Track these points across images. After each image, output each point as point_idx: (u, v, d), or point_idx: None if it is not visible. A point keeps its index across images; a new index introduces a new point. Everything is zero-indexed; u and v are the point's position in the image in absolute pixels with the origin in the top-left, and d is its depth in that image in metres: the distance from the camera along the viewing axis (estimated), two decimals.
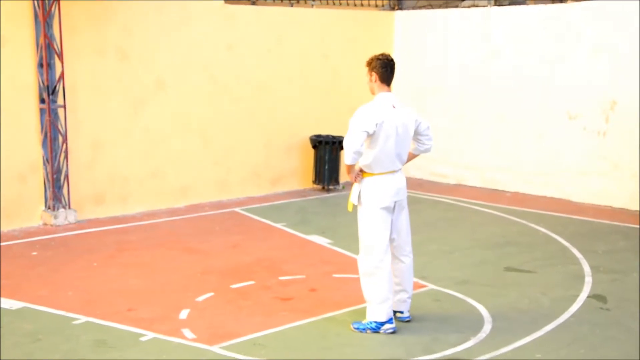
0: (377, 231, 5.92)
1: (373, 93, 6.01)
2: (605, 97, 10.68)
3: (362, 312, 6.23)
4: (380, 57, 5.94)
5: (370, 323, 6.01)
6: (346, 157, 5.78)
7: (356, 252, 6.27)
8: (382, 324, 5.98)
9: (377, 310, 5.98)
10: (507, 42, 11.78)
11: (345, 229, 9.01)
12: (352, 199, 6.02)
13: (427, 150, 6.27)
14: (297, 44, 11.99)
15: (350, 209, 6.17)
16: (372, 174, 5.93)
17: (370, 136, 5.81)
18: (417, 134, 6.13)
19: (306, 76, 12.15)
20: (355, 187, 6.01)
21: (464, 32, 12.31)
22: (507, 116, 11.87)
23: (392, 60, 5.96)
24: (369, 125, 5.74)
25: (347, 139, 5.76)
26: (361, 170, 5.99)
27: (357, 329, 6.04)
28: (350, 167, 5.91)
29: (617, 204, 10.65)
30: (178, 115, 10.74)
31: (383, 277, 5.93)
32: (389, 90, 5.99)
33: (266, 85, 11.66)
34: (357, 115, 5.82)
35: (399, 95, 13.60)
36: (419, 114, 6.25)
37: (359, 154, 5.76)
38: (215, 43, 11.01)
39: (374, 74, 5.93)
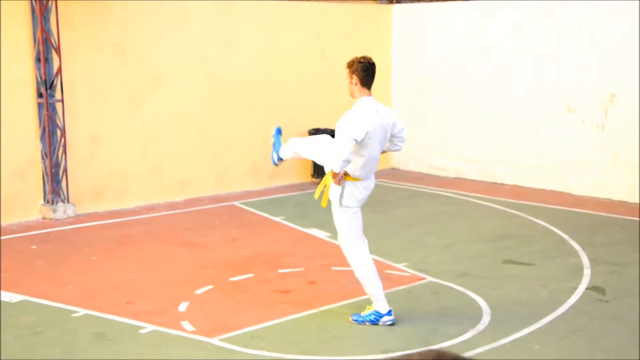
0: (358, 230, 5.99)
1: (353, 96, 5.90)
2: (604, 90, 10.67)
3: (361, 305, 6.24)
4: (362, 59, 5.83)
5: (370, 315, 6.03)
6: (335, 165, 5.55)
7: None
8: (382, 315, 6.00)
9: (382, 302, 6.01)
10: (506, 34, 11.76)
11: None
12: (333, 197, 5.88)
13: (398, 150, 6.28)
14: (295, 38, 11.98)
15: (324, 204, 6.08)
16: (356, 179, 5.88)
17: (358, 144, 5.71)
18: (391, 135, 6.07)
19: (304, 70, 12.14)
20: (336, 188, 5.88)
21: (463, 25, 12.29)
22: (506, 109, 11.87)
23: (373, 63, 5.86)
24: (359, 133, 5.64)
25: (338, 148, 5.57)
26: (345, 174, 5.87)
27: (356, 321, 6.05)
28: (336, 174, 5.77)
29: (616, 196, 10.65)
30: (176, 111, 10.74)
31: (373, 270, 5.98)
32: (370, 94, 5.88)
33: (264, 80, 11.65)
34: (346, 122, 5.68)
35: (397, 89, 13.47)
36: (395, 115, 6.20)
37: (349, 162, 5.62)
38: (212, 39, 11.00)
39: (354, 76, 5.82)
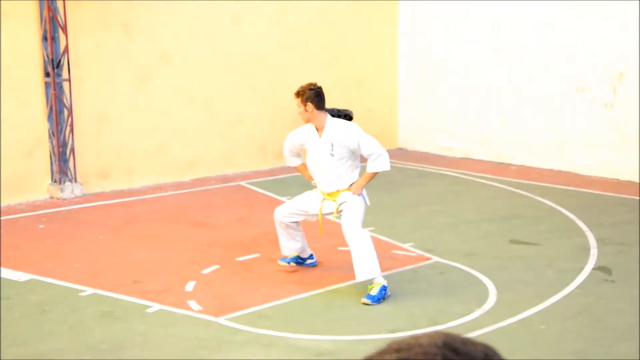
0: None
1: (309, 121, 6.37)
2: (613, 68, 10.59)
3: (366, 285, 6.24)
4: (312, 87, 6.31)
5: (380, 292, 6.08)
6: (388, 164, 6.27)
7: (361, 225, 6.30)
8: (386, 287, 6.13)
9: (380, 274, 6.16)
10: (514, 13, 11.66)
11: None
12: (356, 196, 6.32)
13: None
14: (302, 15, 11.90)
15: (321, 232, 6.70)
16: None
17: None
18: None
19: (311, 48, 12.08)
20: (345, 194, 6.35)
21: (471, 2, 12.18)
22: (514, 89, 11.80)
23: (320, 87, 6.36)
24: None
25: (382, 152, 6.23)
26: None
27: (374, 301, 6.04)
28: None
29: (624, 176, 10.60)
30: (183, 89, 10.72)
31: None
32: (327, 114, 6.41)
33: (271, 58, 11.60)
34: (365, 135, 6.26)
35: (405, 68, 13.32)
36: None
37: None
38: (219, 15, 10.95)
39: (309, 104, 6.26)
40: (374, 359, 1.20)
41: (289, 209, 6.65)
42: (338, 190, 6.38)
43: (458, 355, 1.19)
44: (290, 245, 6.77)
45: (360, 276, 6.11)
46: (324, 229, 6.71)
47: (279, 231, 6.76)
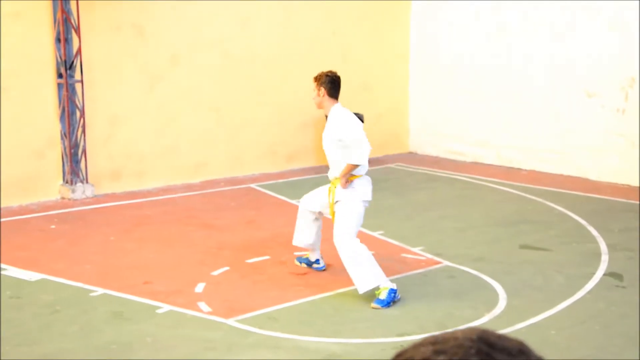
0: (361, 220, 6.27)
1: (320, 107, 6.46)
2: (625, 74, 10.55)
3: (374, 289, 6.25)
4: (329, 73, 6.40)
5: (389, 295, 6.06)
6: (360, 158, 6.11)
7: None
8: (395, 290, 6.09)
9: (385, 279, 6.10)
10: (524, 17, 11.64)
11: None
12: (351, 194, 6.22)
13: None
14: (312, 19, 11.91)
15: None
16: (359, 176, 6.30)
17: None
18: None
19: (320, 52, 12.08)
20: (341, 189, 6.25)
21: (480, 7, 12.17)
22: (524, 93, 11.77)
23: (339, 77, 6.44)
24: (362, 132, 6.32)
25: (363, 145, 6.12)
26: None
27: (384, 305, 6.02)
28: (347, 173, 6.20)
29: (635, 182, 10.55)
30: (193, 91, 10.75)
31: (368, 251, 6.16)
32: (337, 102, 6.43)
33: (281, 61, 11.62)
34: (354, 124, 6.23)
35: (415, 73, 13.32)
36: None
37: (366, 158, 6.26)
38: (229, 19, 10.99)
39: (322, 88, 6.35)
40: (410, 351, 1.23)
41: (312, 195, 6.75)
42: (336, 178, 6.37)
43: (493, 348, 1.22)
44: (302, 238, 6.83)
45: (361, 289, 6.09)
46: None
47: (297, 220, 6.83)
